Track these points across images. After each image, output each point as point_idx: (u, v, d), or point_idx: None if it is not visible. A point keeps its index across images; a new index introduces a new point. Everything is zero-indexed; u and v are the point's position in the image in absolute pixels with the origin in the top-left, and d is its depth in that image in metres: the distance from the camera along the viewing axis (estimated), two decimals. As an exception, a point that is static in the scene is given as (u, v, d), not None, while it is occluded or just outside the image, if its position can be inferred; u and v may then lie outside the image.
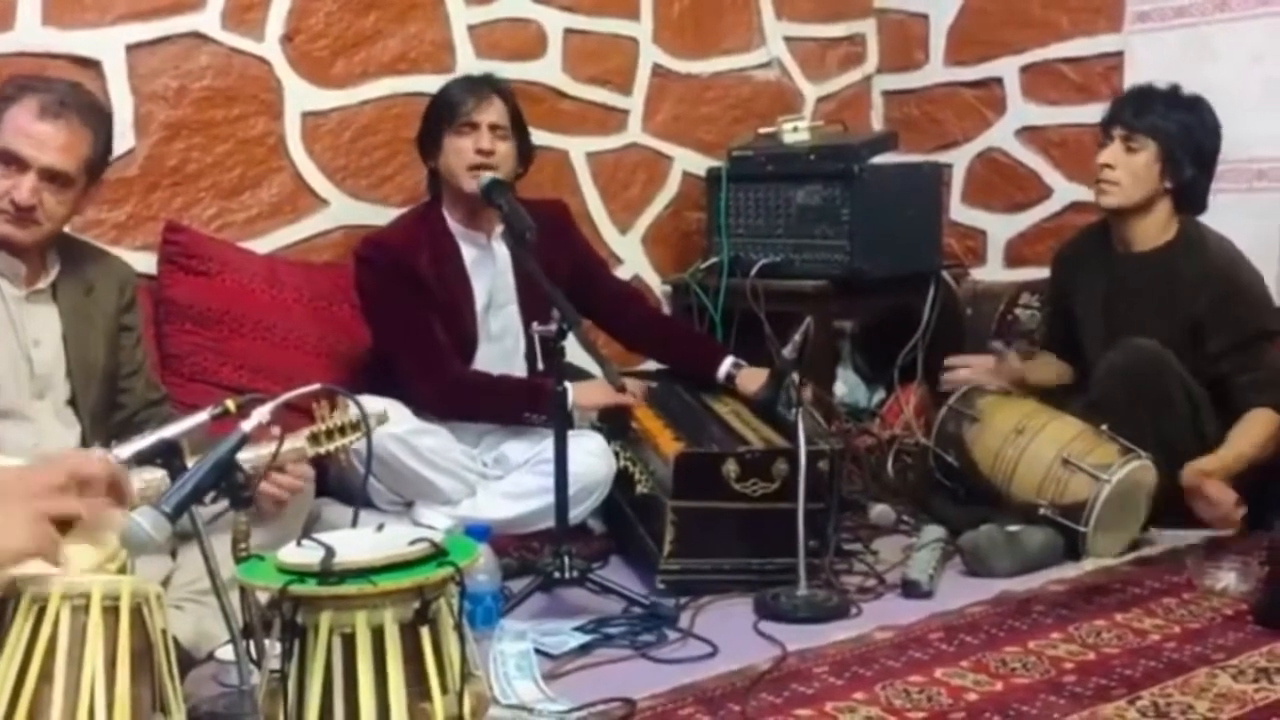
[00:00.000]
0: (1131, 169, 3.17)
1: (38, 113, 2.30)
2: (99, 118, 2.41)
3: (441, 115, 3.06)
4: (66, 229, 2.52)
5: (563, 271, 2.99)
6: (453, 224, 3.10)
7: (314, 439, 2.32)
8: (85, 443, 2.39)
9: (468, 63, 3.61)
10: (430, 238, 3.06)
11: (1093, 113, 3.51)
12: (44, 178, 2.30)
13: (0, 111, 2.31)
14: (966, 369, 3.42)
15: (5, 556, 1.55)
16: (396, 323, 3.01)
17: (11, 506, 1.54)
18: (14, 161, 2.28)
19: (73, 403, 2.44)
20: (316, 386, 2.18)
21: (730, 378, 3.25)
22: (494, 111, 3.04)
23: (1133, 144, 3.17)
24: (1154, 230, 3.23)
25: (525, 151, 3.14)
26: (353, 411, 2.30)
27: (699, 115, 4.14)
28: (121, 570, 1.86)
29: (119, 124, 3.09)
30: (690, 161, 4.10)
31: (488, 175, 2.95)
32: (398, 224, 3.15)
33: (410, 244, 3.04)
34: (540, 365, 3.04)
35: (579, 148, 3.90)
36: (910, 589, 2.72)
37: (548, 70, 3.82)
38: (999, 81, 4.20)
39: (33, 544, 1.54)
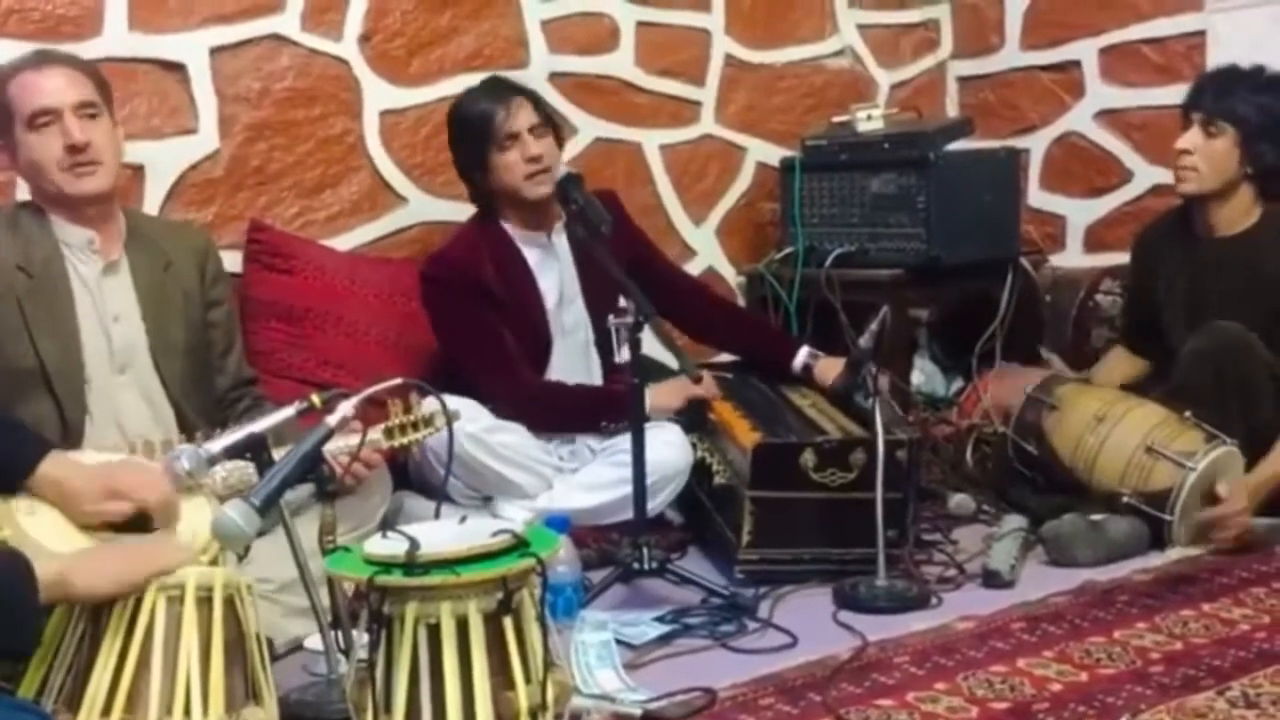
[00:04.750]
0: (1209, 155, 3.10)
1: (33, 71, 2.41)
2: (66, 54, 2.52)
3: (480, 135, 3.02)
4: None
5: (621, 261, 2.98)
6: (512, 230, 3.10)
7: (388, 433, 2.37)
8: (180, 420, 2.45)
9: (541, 57, 3.64)
10: (492, 248, 3.07)
11: (1175, 94, 3.43)
12: (79, 115, 2.39)
13: (4, 99, 2.41)
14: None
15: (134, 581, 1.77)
16: (468, 338, 3.02)
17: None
18: (48, 118, 2.38)
19: (158, 381, 2.49)
20: (399, 381, 2.23)
21: (807, 368, 3.24)
22: (525, 113, 3.03)
23: (1212, 129, 3.10)
24: (1236, 216, 3.16)
25: (558, 133, 3.14)
26: (426, 407, 2.35)
27: (772, 105, 4.13)
28: (214, 562, 1.92)
29: (204, 125, 3.17)
30: (763, 152, 4.09)
31: (563, 170, 2.95)
32: (458, 239, 3.14)
33: (473, 256, 3.05)
34: (617, 357, 3.05)
35: (652, 140, 3.90)
36: (991, 579, 2.70)
37: (620, 63, 3.83)
38: (1077, 64, 4.14)
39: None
